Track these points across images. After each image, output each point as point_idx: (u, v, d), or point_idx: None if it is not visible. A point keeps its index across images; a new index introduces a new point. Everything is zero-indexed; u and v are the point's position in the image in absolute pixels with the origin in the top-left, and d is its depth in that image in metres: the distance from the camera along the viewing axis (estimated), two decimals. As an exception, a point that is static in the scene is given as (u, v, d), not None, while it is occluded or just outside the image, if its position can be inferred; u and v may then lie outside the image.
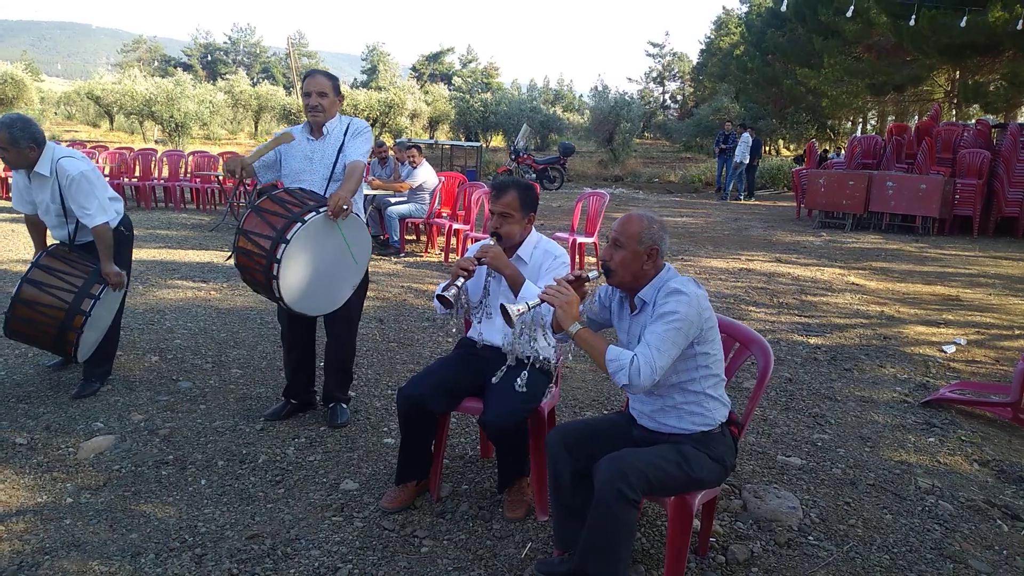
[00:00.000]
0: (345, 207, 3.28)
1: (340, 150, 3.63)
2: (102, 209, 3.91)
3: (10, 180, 4.36)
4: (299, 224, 3.20)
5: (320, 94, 3.59)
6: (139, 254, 8.27)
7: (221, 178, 12.18)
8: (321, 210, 3.28)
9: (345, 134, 3.66)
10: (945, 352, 5.54)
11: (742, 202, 17.84)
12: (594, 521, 2.24)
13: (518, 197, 2.99)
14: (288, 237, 3.17)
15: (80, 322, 3.83)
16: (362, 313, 4.00)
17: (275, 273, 3.17)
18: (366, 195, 9.30)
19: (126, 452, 3.44)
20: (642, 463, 2.24)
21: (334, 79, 3.69)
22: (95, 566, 2.56)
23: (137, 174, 13.51)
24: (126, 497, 3.04)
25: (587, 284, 2.52)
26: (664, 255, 2.45)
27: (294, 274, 3.26)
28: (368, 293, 6.75)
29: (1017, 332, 6.20)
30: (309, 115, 3.64)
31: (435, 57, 67.55)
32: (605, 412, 4.10)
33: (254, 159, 3.55)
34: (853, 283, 8.12)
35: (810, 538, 2.89)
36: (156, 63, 69.11)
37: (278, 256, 3.16)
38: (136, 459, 3.37)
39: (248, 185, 3.87)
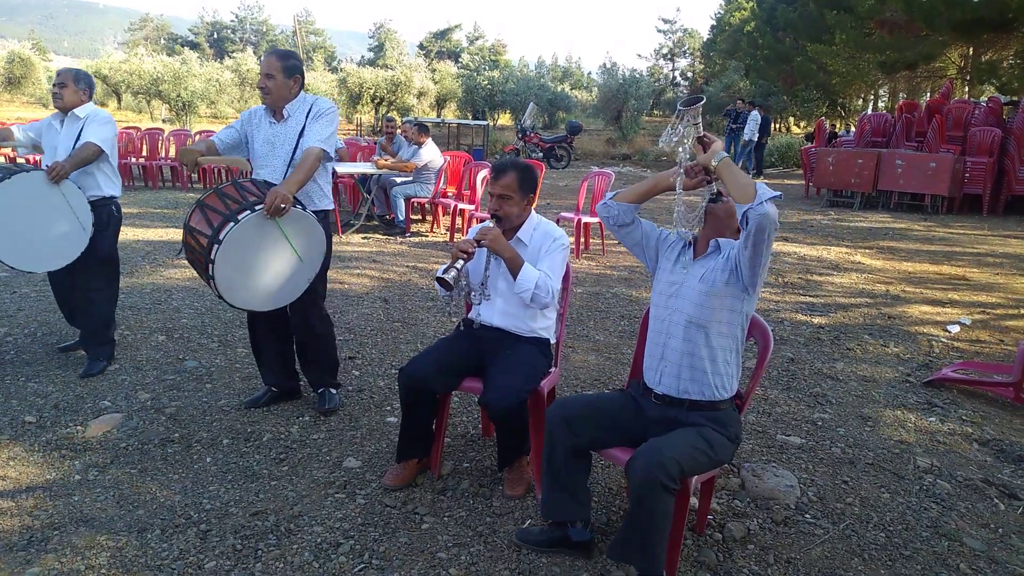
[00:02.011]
0: (283, 206, 3.17)
1: (301, 134, 3.48)
2: (104, 141, 4.14)
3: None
4: (231, 224, 3.13)
5: (267, 75, 3.42)
6: (146, 234, 8.34)
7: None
8: (257, 208, 3.18)
9: (307, 116, 3.50)
10: (949, 332, 5.53)
11: (750, 180, 17.72)
12: (636, 513, 2.27)
13: (517, 178, 2.99)
14: (221, 237, 3.11)
15: None
16: (327, 292, 3.88)
17: (211, 273, 3.14)
18: (371, 175, 9.30)
19: (133, 430, 3.50)
20: (676, 452, 2.27)
21: (288, 59, 3.50)
22: (103, 541, 2.61)
23: (144, 154, 13.52)
24: (133, 474, 3.10)
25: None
26: None
27: (230, 273, 3.20)
28: (373, 273, 6.82)
29: (1023, 312, 6.19)
30: (261, 97, 3.51)
31: (442, 34, 67.03)
32: (606, 391, 4.13)
33: (206, 162, 3.53)
34: (859, 262, 8.10)
35: (807, 516, 2.92)
36: (163, 41, 68.96)
37: (212, 256, 3.12)
38: (142, 437, 3.43)
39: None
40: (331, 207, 3.73)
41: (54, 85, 4.18)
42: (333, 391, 3.85)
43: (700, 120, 2.38)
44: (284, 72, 3.46)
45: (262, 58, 3.53)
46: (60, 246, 4.06)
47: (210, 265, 3.12)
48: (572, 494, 2.54)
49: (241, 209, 3.19)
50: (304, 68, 3.64)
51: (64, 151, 4.16)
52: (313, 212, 3.52)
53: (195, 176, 13.62)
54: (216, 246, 3.12)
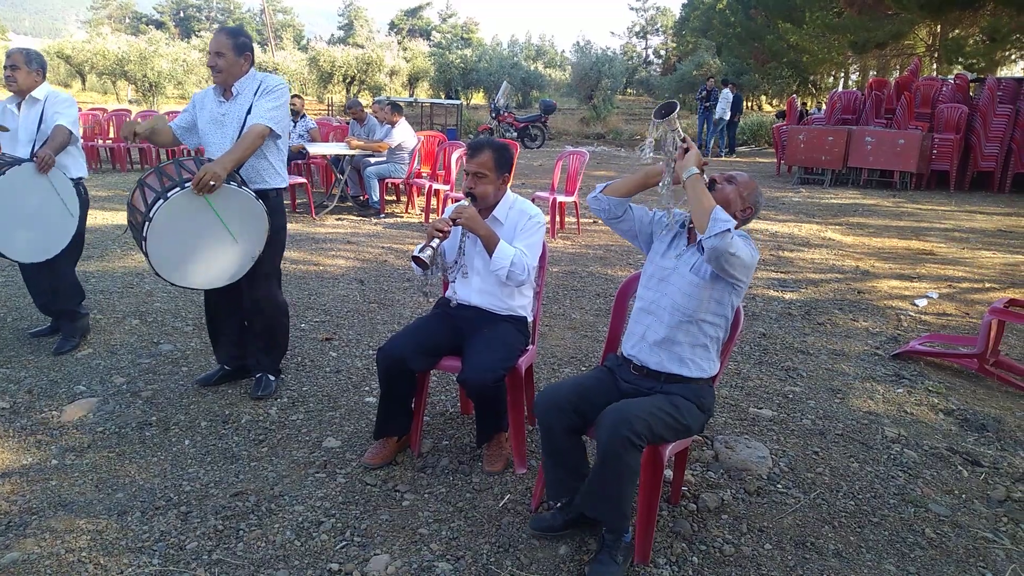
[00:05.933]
0: (212, 183, 3.12)
1: (249, 111, 3.43)
2: (73, 122, 4.11)
3: None
4: (161, 201, 3.12)
5: (217, 53, 3.37)
6: (116, 217, 8.21)
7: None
8: (187, 185, 3.15)
9: (256, 94, 3.45)
10: (917, 306, 5.65)
11: (723, 159, 17.84)
12: (603, 469, 2.31)
13: (493, 157, 3.00)
14: (151, 215, 3.11)
15: None
16: (280, 271, 3.83)
17: (144, 250, 3.16)
18: (344, 156, 9.22)
19: (109, 414, 3.48)
20: (644, 412, 2.33)
21: (237, 36, 3.45)
22: (82, 524, 2.61)
23: (111, 135, 13.26)
24: (111, 458, 3.09)
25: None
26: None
27: (165, 250, 3.20)
28: (348, 254, 6.79)
29: (987, 285, 6.34)
30: (212, 75, 3.48)
31: (413, 12, 66.29)
32: (583, 369, 4.18)
33: (143, 130, 3.48)
34: (829, 238, 8.22)
35: (778, 486, 2.99)
36: (127, 20, 67.38)
37: (144, 233, 3.12)
38: (119, 421, 3.41)
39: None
40: (283, 185, 3.67)
41: (5, 67, 4.05)
42: (271, 377, 3.79)
43: (678, 125, 2.44)
44: (234, 50, 3.42)
45: (212, 37, 3.48)
46: (52, 234, 4.05)
47: (143, 242, 3.14)
48: (576, 473, 2.56)
49: (173, 186, 3.18)
50: (253, 45, 3.60)
51: (26, 135, 4.09)
52: (264, 190, 3.50)
53: (164, 156, 13.40)
54: (147, 223, 3.12)
